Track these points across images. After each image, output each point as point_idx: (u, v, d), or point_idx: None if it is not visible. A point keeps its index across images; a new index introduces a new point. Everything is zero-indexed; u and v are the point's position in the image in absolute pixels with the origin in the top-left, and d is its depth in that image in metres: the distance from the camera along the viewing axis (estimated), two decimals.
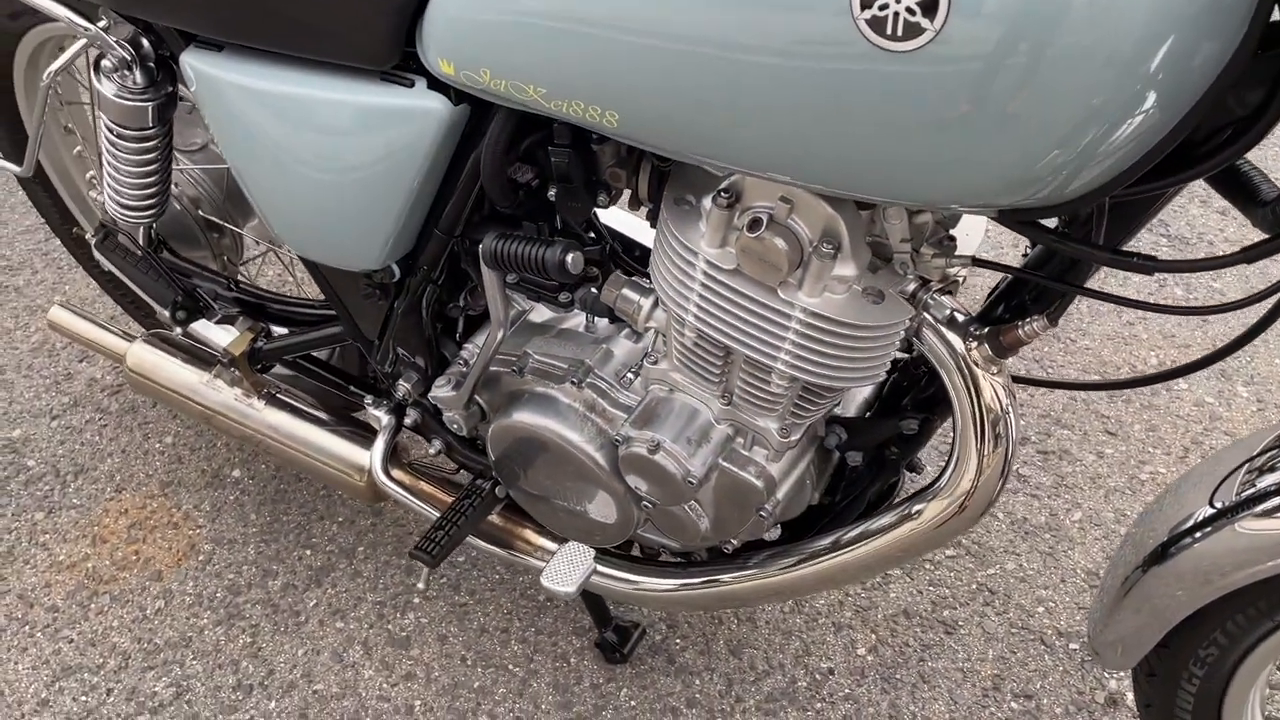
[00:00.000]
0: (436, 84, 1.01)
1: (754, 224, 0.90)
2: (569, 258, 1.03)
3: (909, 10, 0.68)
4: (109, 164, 1.24)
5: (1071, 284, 0.91)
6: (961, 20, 0.67)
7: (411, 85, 1.02)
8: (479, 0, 0.91)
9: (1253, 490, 0.92)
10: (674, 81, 0.81)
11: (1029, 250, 0.96)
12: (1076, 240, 0.85)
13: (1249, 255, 0.75)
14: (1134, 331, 2.04)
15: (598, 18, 0.83)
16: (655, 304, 1.07)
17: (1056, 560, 1.68)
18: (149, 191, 1.26)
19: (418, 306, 1.20)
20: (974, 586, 1.65)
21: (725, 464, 1.10)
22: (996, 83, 0.69)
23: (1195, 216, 2.35)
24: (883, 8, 0.69)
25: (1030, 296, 0.97)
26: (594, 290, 1.11)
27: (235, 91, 1.09)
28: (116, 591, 1.66)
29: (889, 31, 0.69)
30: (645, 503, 1.17)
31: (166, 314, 1.41)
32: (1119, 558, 1.02)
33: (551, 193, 1.04)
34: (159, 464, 1.85)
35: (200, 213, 1.51)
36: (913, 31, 0.68)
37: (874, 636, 1.59)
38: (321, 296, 1.33)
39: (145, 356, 1.49)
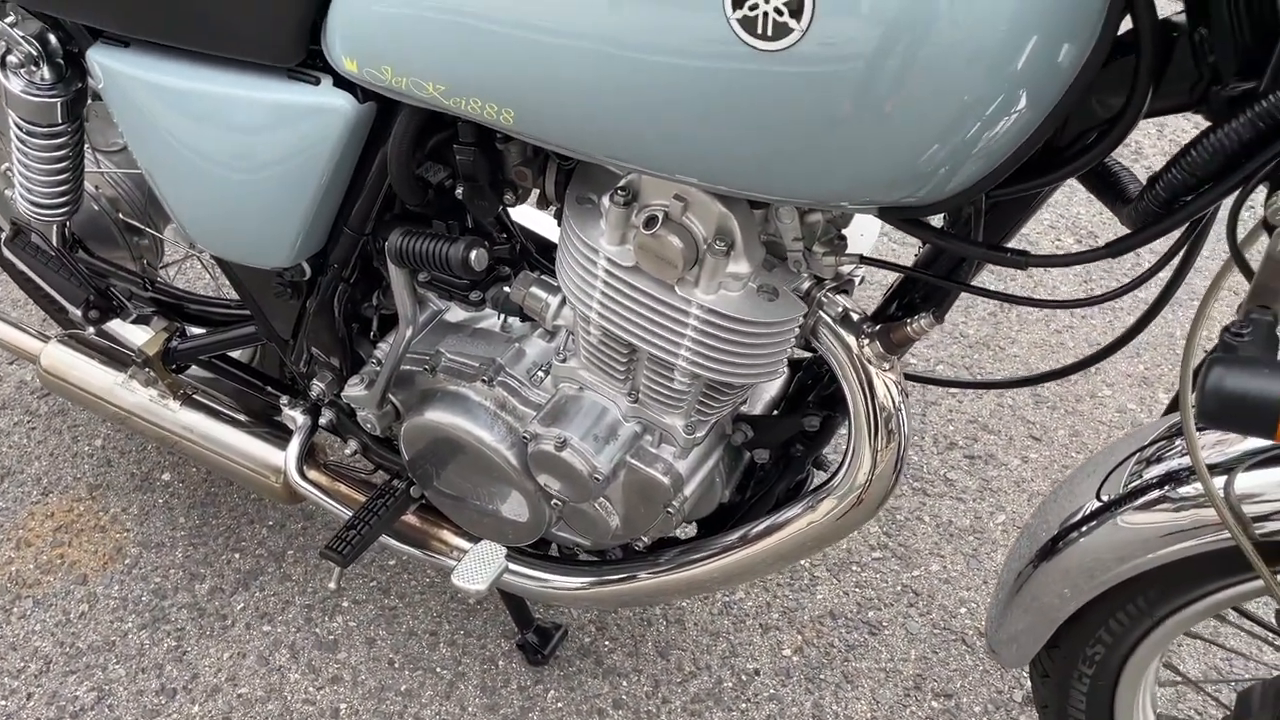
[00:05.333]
0: (342, 82, 1.01)
1: (650, 222, 0.92)
2: (473, 254, 1.04)
3: (777, 10, 0.69)
4: (19, 161, 1.24)
5: (956, 281, 0.93)
6: (827, 20, 0.69)
7: (317, 83, 1.02)
8: None
9: (1138, 482, 0.94)
10: (564, 78, 0.82)
11: (919, 251, 0.98)
12: (957, 238, 0.87)
13: (1114, 250, 0.78)
14: (1061, 339, 2.08)
15: (490, 14, 0.84)
16: (563, 302, 1.08)
17: (980, 562, 1.70)
18: (60, 189, 1.25)
19: (330, 305, 1.20)
20: (899, 588, 1.67)
21: (633, 461, 1.11)
22: (867, 81, 0.71)
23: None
24: (753, 8, 0.70)
25: (920, 295, 0.99)
26: (505, 289, 1.12)
27: (142, 88, 1.09)
28: (40, 595, 1.64)
29: (759, 31, 0.71)
30: (555, 500, 1.17)
31: (79, 313, 1.40)
32: (1014, 552, 1.04)
33: (459, 191, 1.05)
34: (87, 467, 1.83)
35: (119, 215, 1.50)
36: (781, 31, 0.70)
37: (800, 637, 1.60)
38: (238, 297, 1.33)
39: (60, 357, 1.48)
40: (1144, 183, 0.76)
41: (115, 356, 1.48)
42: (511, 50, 0.84)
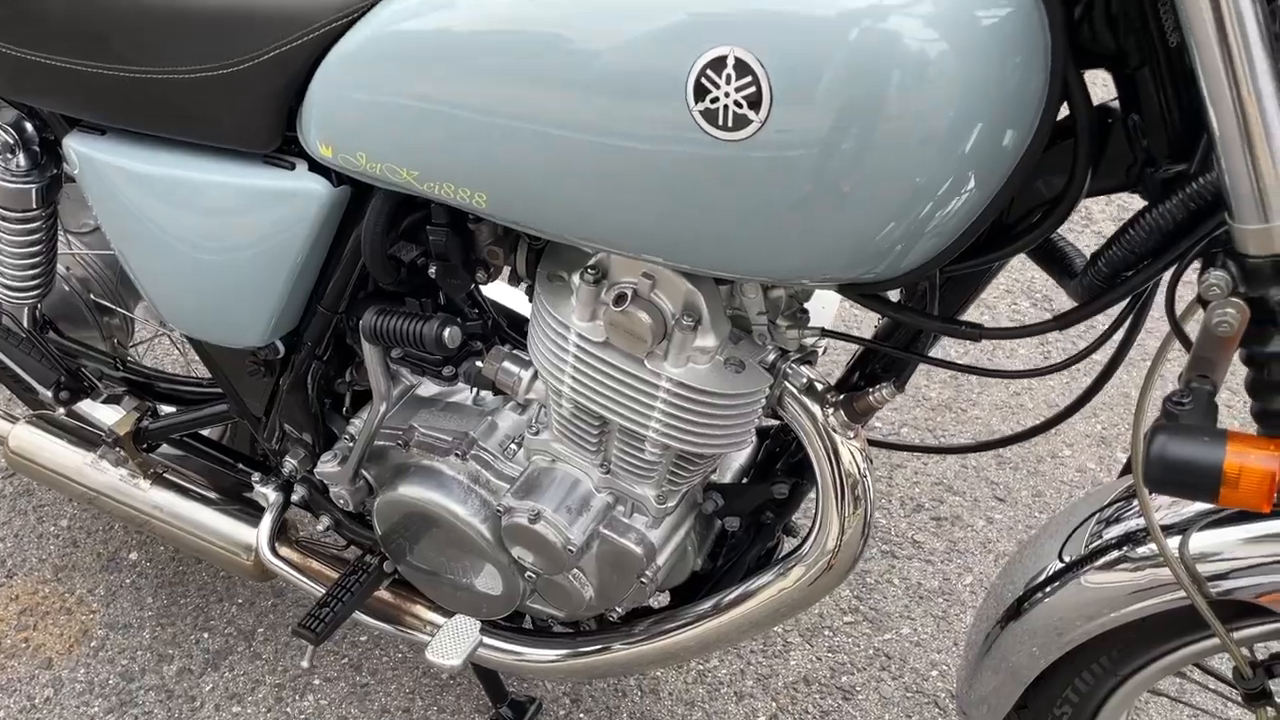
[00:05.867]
0: (317, 166, 1.04)
1: (620, 299, 0.94)
2: (446, 332, 1.06)
3: (736, 103, 0.73)
4: None
5: (914, 353, 0.96)
6: (784, 111, 0.73)
7: (293, 168, 1.05)
8: (354, 87, 0.95)
9: (1098, 543, 0.97)
10: (535, 164, 0.86)
11: (878, 322, 1.02)
12: (914, 311, 0.91)
13: (1062, 323, 0.81)
14: (1020, 401, 2.12)
15: (462, 102, 0.87)
16: (534, 376, 1.10)
17: (950, 624, 1.72)
18: (33, 273, 1.26)
19: (303, 383, 1.22)
20: (871, 652, 1.68)
21: (606, 532, 1.13)
22: (824, 166, 0.75)
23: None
24: (714, 100, 0.74)
25: (881, 365, 1.02)
26: (477, 364, 1.14)
27: (118, 174, 1.11)
28: (3, 681, 1.61)
29: (720, 122, 0.75)
30: (529, 573, 1.18)
31: (49, 394, 1.40)
32: (981, 613, 1.06)
33: (432, 270, 1.07)
34: (53, 548, 1.81)
35: (90, 295, 1.51)
36: (741, 122, 0.74)
37: (774, 704, 1.60)
38: (209, 375, 1.34)
39: (28, 438, 1.47)
40: (1088, 258, 0.80)
41: (84, 436, 1.48)
42: (484, 137, 0.87)
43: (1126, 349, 0.90)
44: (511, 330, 1.21)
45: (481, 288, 1.17)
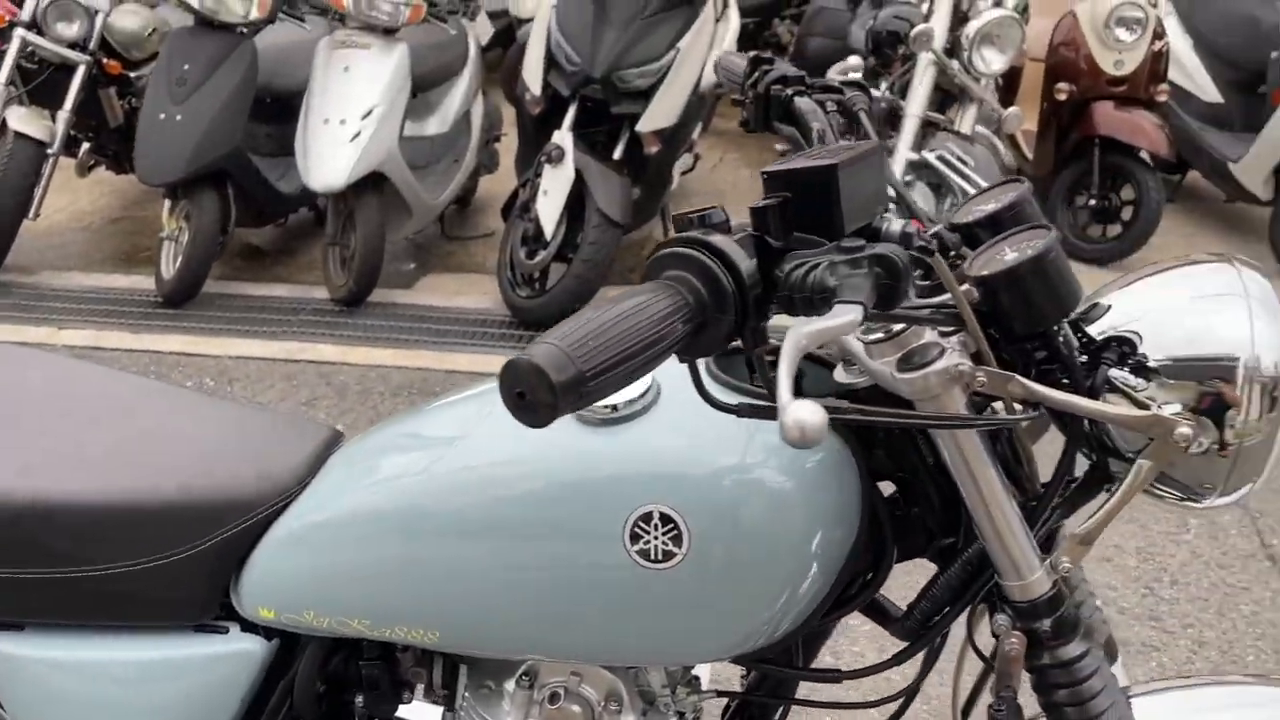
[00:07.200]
0: (248, 625, 1.17)
1: (554, 697, 1.14)
2: None
3: (663, 543, 1.01)
4: None
5: (784, 697, 1.23)
6: (698, 545, 1.01)
7: (227, 632, 1.17)
8: (299, 557, 1.13)
9: None
10: (489, 603, 1.06)
11: (746, 675, 1.27)
12: (782, 665, 1.18)
13: (899, 660, 1.11)
14: None
15: (419, 560, 1.07)
16: None
17: None
18: None
19: None
20: None
21: None
22: (727, 576, 1.02)
23: None
24: (646, 543, 1.01)
25: (756, 712, 1.27)
26: None
27: (40, 667, 1.16)
28: None
29: (652, 558, 1.01)
30: None
31: None
32: None
33: (359, 699, 1.21)
34: None
35: None
36: (668, 556, 1.01)
37: None
38: None
39: None
40: (904, 610, 1.12)
41: None
42: (439, 584, 1.07)
43: (917, 689, 1.19)
44: None
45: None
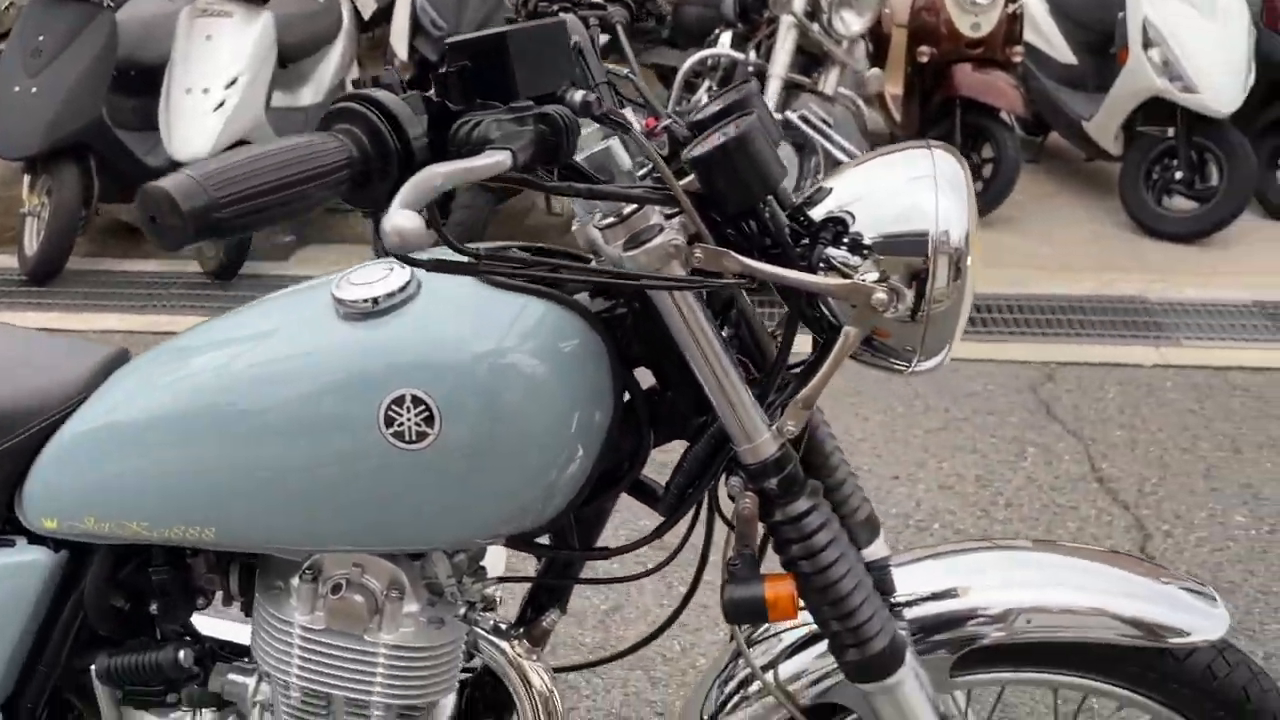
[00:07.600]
0: (35, 538, 1.20)
1: (336, 588, 1.19)
2: (180, 654, 1.22)
3: (415, 424, 1.06)
4: None
5: (570, 578, 1.29)
6: (450, 425, 1.06)
7: (13, 544, 1.20)
8: (77, 465, 1.16)
9: (723, 695, 1.31)
10: (260, 497, 1.11)
11: (539, 564, 1.34)
12: (561, 547, 1.24)
13: (658, 534, 1.19)
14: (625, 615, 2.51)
15: (189, 459, 1.11)
16: (259, 679, 1.28)
17: None
18: None
19: None
20: None
21: None
22: (483, 456, 1.08)
23: None
24: (400, 424, 1.06)
25: (546, 597, 1.34)
26: (195, 686, 1.29)
27: None
28: None
29: (406, 439, 1.06)
30: None
31: None
32: None
33: (153, 607, 1.24)
34: None
35: None
36: (421, 437, 1.06)
37: None
38: None
39: None
40: (663, 486, 1.19)
41: None
42: (210, 480, 1.11)
43: (707, 557, 1.28)
44: (222, 651, 1.37)
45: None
